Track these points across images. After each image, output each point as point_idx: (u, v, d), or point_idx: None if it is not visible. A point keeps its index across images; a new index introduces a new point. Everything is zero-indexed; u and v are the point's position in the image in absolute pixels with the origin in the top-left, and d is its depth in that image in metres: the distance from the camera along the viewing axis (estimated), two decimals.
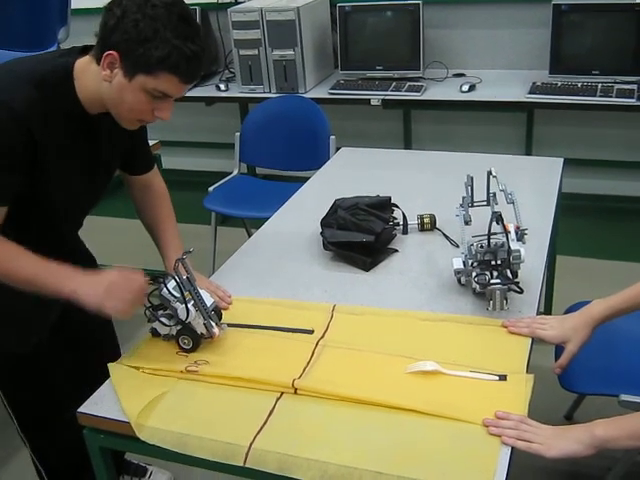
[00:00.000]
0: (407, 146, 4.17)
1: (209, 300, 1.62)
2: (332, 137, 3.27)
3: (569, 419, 2.45)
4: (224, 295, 1.80)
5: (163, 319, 1.60)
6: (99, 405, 1.46)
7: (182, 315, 1.56)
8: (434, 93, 3.66)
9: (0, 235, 1.52)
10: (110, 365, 1.57)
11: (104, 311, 1.49)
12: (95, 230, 2.02)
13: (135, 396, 1.45)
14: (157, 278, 1.61)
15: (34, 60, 1.59)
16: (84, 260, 1.98)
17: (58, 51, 1.62)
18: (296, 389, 1.44)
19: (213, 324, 1.59)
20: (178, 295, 1.56)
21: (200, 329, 1.58)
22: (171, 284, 1.57)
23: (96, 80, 1.52)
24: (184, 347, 1.60)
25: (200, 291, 1.60)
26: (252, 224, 2.13)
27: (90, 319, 1.62)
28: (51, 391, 1.88)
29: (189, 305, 1.55)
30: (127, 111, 1.55)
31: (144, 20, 1.42)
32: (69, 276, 1.53)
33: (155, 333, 1.64)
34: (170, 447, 1.35)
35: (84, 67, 1.55)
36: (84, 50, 1.58)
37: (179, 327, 1.59)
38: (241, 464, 1.29)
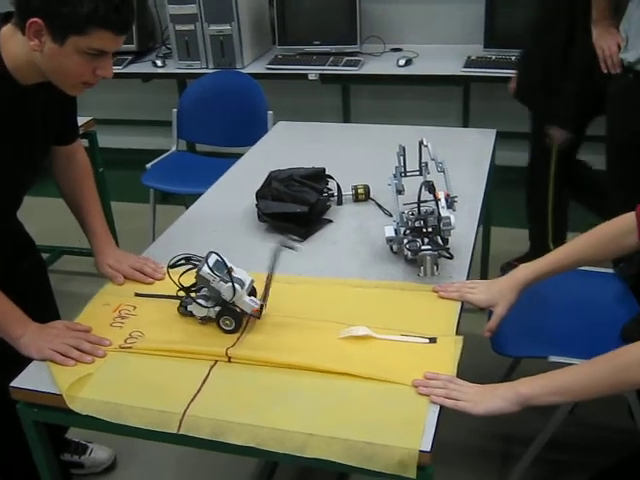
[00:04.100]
0: (346, 121, 4.19)
1: (247, 278, 1.54)
2: (270, 112, 3.27)
3: None
4: (154, 271, 1.78)
5: (200, 300, 1.54)
6: (32, 379, 1.44)
7: (228, 295, 1.49)
8: (372, 68, 3.69)
9: None
10: None
11: (43, 357, 1.49)
12: (33, 210, 1.99)
13: (68, 369, 1.45)
14: (189, 258, 1.58)
15: None
16: (21, 241, 1.94)
17: None
18: (230, 357, 1.45)
19: (257, 301, 1.53)
20: (220, 274, 1.49)
21: (245, 308, 1.51)
22: (212, 260, 1.50)
23: (25, 50, 1.44)
24: (225, 328, 1.53)
25: (235, 268, 1.53)
26: (192, 201, 2.12)
27: (29, 300, 1.62)
28: None
29: (235, 284, 1.48)
30: (67, 77, 1.47)
31: None
32: (21, 322, 1.54)
33: (185, 313, 1.59)
34: (103, 417, 1.34)
35: (9, 36, 1.47)
36: (6, 18, 1.49)
37: (219, 308, 1.53)
38: (175, 431, 1.30)
